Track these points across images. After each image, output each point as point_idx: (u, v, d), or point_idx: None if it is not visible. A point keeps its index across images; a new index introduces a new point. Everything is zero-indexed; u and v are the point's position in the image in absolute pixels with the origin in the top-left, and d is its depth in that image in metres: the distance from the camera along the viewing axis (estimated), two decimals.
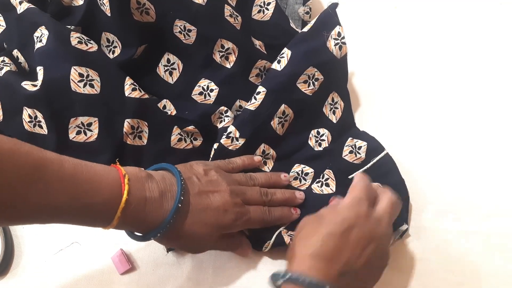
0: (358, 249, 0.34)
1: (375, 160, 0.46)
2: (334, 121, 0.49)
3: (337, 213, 0.36)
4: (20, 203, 0.30)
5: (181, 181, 0.37)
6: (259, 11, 0.50)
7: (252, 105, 0.45)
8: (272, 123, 0.46)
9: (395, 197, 0.39)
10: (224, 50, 0.47)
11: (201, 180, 0.39)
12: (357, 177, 0.40)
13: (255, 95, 0.46)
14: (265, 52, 0.50)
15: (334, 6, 0.47)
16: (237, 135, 0.45)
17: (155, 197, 0.36)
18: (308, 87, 0.46)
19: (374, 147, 0.47)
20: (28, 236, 0.48)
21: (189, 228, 0.37)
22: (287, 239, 0.45)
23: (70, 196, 0.32)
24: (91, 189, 0.33)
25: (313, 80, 0.46)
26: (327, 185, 0.46)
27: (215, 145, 0.46)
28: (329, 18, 0.47)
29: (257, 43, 0.50)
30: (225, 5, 0.47)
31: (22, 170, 0.29)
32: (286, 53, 0.46)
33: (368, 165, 0.46)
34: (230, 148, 0.45)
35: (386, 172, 0.46)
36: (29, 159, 0.30)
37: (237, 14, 0.48)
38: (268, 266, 0.46)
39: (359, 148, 0.47)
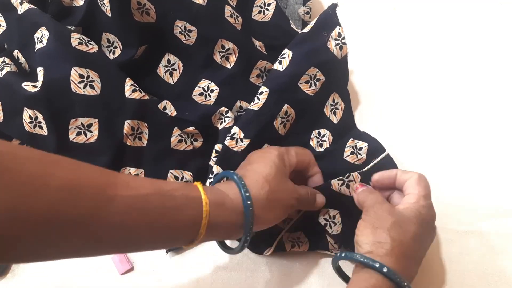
0: (428, 244, 0.39)
1: (376, 161, 0.46)
2: (335, 121, 0.49)
3: (419, 213, 0.38)
4: (103, 202, 0.29)
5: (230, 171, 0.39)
6: (259, 12, 0.50)
7: (256, 105, 0.45)
8: (274, 123, 0.46)
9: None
10: (224, 51, 0.48)
11: (246, 161, 0.41)
12: (412, 175, 0.41)
13: (257, 95, 0.45)
14: (266, 52, 0.50)
15: (333, 7, 0.47)
16: (242, 136, 0.44)
17: (222, 188, 0.36)
18: (310, 87, 0.46)
19: (375, 148, 0.47)
20: None
21: (264, 182, 0.37)
22: (288, 246, 0.45)
23: (156, 189, 0.32)
24: (168, 183, 0.34)
25: (314, 80, 0.46)
26: (348, 186, 0.46)
27: (216, 146, 0.46)
28: (329, 19, 0.47)
29: (258, 43, 0.50)
30: (226, 5, 0.47)
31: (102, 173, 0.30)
32: (287, 53, 0.46)
33: (369, 166, 0.46)
34: (234, 149, 0.44)
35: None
36: (105, 170, 0.31)
37: (237, 14, 0.48)
38: (269, 266, 0.46)
39: (360, 149, 0.47)
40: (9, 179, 0.24)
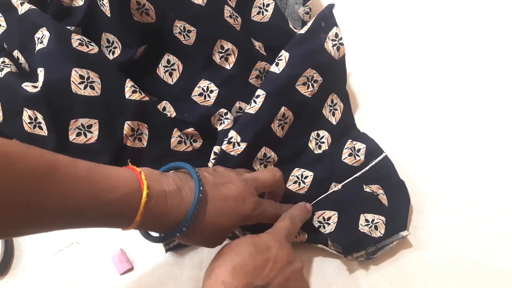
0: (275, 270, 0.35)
1: (373, 163, 0.46)
2: (334, 122, 0.49)
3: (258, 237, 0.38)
4: (35, 206, 0.28)
5: (196, 173, 0.37)
6: (258, 13, 0.50)
7: (252, 108, 0.45)
8: (272, 125, 0.46)
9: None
10: (223, 51, 0.48)
11: (213, 174, 0.39)
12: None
13: (254, 98, 0.45)
14: (265, 53, 0.50)
15: (330, 7, 0.47)
16: (238, 139, 0.44)
17: (173, 190, 0.35)
18: (307, 89, 0.46)
19: (373, 149, 0.47)
20: (28, 236, 0.48)
21: (212, 220, 0.36)
22: None
23: (87, 195, 0.30)
24: (109, 187, 0.31)
25: (312, 82, 0.46)
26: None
27: (215, 148, 0.46)
28: (326, 20, 0.47)
29: (257, 44, 0.50)
30: (225, 6, 0.47)
31: (35, 171, 0.28)
32: (284, 55, 0.46)
33: (367, 168, 0.46)
34: (232, 153, 0.44)
35: (385, 174, 0.46)
36: (42, 161, 0.29)
37: (237, 15, 0.48)
38: None
39: (358, 150, 0.47)
40: None
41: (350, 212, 0.45)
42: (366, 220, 0.45)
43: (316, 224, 0.45)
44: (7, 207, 0.27)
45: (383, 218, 0.45)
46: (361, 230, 0.45)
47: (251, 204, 0.38)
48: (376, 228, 0.45)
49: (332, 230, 0.45)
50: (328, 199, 0.46)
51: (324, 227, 0.45)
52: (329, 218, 0.45)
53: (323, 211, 0.45)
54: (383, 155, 0.47)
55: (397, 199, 0.46)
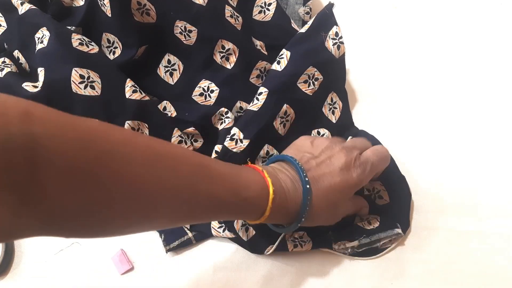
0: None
1: None
2: (334, 121, 0.49)
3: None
4: (194, 197, 0.32)
5: (297, 163, 0.39)
6: (260, 12, 0.50)
7: (255, 105, 0.45)
8: (274, 123, 0.46)
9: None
10: (224, 51, 0.48)
11: (313, 153, 0.41)
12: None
13: (257, 96, 0.46)
14: (266, 52, 0.50)
15: (330, 6, 0.47)
16: (241, 136, 0.44)
17: (289, 185, 0.38)
18: (308, 87, 0.47)
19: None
20: None
21: (325, 198, 0.39)
22: (290, 246, 0.45)
23: (231, 191, 0.34)
24: (245, 185, 0.35)
25: (313, 80, 0.47)
26: None
27: (217, 147, 0.46)
28: (326, 19, 0.47)
29: (258, 43, 0.50)
30: (226, 5, 0.47)
31: (194, 168, 0.32)
32: (285, 53, 0.46)
33: None
34: (234, 150, 0.44)
35: (385, 170, 0.46)
36: (196, 159, 0.33)
37: (237, 14, 0.48)
38: (269, 266, 0.46)
39: None
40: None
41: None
42: (361, 218, 0.46)
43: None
44: (172, 198, 0.30)
45: (377, 216, 0.46)
46: (357, 224, 0.46)
47: (358, 170, 0.39)
48: (369, 222, 0.46)
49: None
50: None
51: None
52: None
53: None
54: None
55: (398, 195, 0.46)
